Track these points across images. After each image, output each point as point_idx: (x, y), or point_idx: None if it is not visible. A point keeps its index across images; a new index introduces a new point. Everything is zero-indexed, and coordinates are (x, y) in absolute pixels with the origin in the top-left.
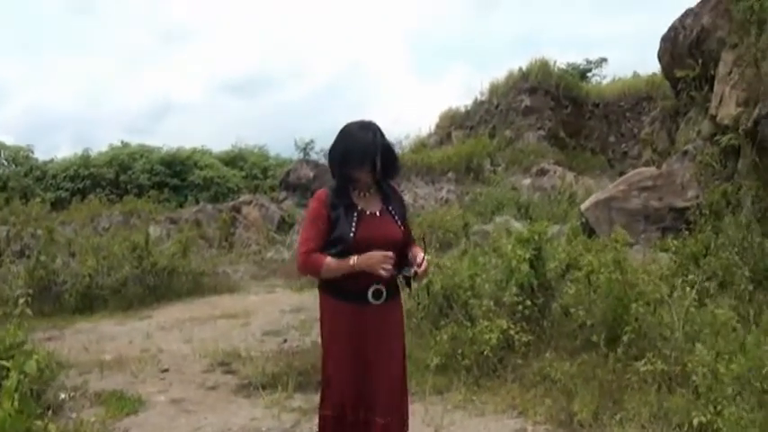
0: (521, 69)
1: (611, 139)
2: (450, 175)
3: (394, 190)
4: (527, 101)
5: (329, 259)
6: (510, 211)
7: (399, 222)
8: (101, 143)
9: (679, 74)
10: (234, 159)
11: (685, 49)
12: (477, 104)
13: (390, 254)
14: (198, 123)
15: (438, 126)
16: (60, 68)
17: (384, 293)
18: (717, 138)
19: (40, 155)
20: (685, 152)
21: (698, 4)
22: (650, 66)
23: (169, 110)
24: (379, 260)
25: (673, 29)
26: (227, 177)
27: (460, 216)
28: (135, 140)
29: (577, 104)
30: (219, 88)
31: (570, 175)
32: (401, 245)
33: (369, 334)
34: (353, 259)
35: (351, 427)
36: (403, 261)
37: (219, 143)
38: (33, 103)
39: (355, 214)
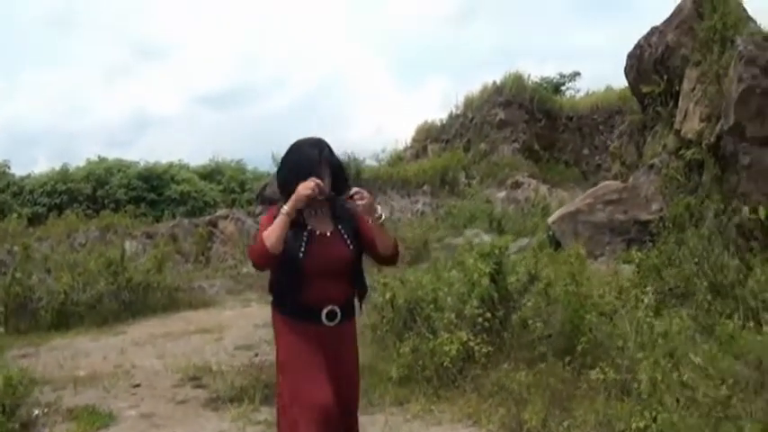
0: (495, 83)
1: (585, 151)
2: (425, 188)
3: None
4: (501, 114)
5: (267, 230)
6: (482, 224)
7: (350, 242)
8: (79, 158)
9: (645, 89)
10: (211, 173)
11: (651, 66)
12: (453, 118)
13: (314, 179)
14: (177, 136)
15: (414, 139)
16: (37, 82)
17: (339, 314)
18: (681, 152)
19: (18, 170)
20: (651, 166)
21: (663, 23)
22: (624, 79)
23: (147, 123)
24: (303, 186)
25: (638, 46)
26: (204, 192)
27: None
28: (113, 155)
29: (551, 117)
30: (198, 101)
31: (544, 188)
32: (352, 265)
33: (326, 355)
34: (284, 208)
35: None
36: (356, 279)
37: (198, 156)
38: (10, 118)
39: (305, 234)
